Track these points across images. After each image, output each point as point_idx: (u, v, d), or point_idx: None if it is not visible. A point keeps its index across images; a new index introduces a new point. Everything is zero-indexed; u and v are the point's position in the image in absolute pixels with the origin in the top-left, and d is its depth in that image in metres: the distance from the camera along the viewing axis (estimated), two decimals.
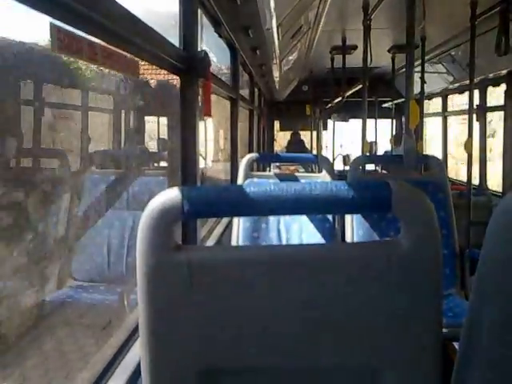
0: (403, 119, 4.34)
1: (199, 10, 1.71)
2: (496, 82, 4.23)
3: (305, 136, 8.15)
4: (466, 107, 3.33)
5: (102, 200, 2.86)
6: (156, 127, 5.35)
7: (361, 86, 3.85)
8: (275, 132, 8.32)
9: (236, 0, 1.99)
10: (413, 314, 0.68)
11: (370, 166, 5.73)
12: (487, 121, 4.79)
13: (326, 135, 8.06)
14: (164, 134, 5.02)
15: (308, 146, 8.02)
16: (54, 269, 2.63)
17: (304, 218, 2.44)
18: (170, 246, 0.67)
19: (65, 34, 0.96)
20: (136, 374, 1.18)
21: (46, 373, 2.10)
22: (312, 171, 6.56)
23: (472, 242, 3.06)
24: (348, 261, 0.69)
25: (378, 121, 6.39)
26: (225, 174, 4.78)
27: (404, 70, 2.94)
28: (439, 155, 5.88)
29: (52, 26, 0.91)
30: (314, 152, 7.52)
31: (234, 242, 2.43)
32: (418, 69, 4.23)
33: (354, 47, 4.54)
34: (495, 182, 4.78)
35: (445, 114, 5.75)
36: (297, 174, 2.88)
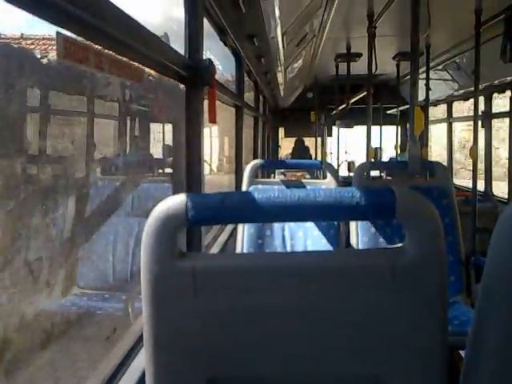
0: (408, 126, 4.33)
1: (204, 19, 1.72)
2: (501, 89, 4.22)
3: (309, 142, 8.16)
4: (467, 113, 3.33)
5: (106, 206, 2.87)
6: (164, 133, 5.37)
7: (365, 92, 3.85)
8: (280, 139, 8.33)
9: (241, 8, 2.00)
10: (418, 322, 0.67)
11: (375, 172, 5.72)
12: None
13: (331, 142, 8.06)
14: (169, 140, 5.04)
15: (312, 152, 8.03)
16: (58, 276, 2.64)
17: (309, 225, 2.44)
18: (174, 253, 0.67)
19: (71, 43, 0.97)
20: (141, 382, 1.18)
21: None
22: (317, 177, 6.56)
23: (478, 249, 3.04)
24: (353, 268, 0.68)
25: (383, 127, 6.39)
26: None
27: (409, 76, 2.94)
28: (438, 158, 5.87)
29: (58, 34, 0.92)
30: (319, 158, 7.53)
31: (238, 249, 2.42)
32: (423, 76, 4.23)
33: (359, 55, 4.55)
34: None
35: (450, 120, 5.74)
36: (301, 180, 2.88)
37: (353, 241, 2.39)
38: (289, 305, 0.68)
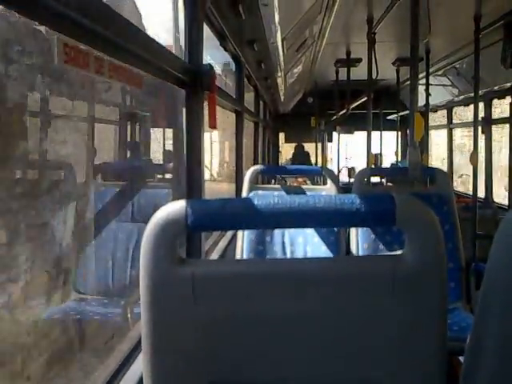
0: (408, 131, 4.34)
1: (204, 24, 1.72)
2: (501, 95, 4.23)
3: (310, 148, 8.16)
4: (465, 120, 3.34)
5: (106, 212, 2.87)
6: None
7: (365, 98, 3.86)
8: (280, 144, 8.34)
9: (241, 14, 2.01)
10: (417, 328, 0.67)
11: (375, 178, 5.72)
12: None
13: (331, 147, 8.07)
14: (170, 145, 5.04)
15: (313, 157, 8.04)
16: (57, 281, 2.63)
17: (309, 231, 2.44)
18: (173, 259, 0.67)
19: (71, 48, 0.97)
20: None
21: None
22: (317, 183, 6.56)
23: (478, 256, 3.03)
24: (352, 274, 0.68)
25: (384, 133, 6.39)
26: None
27: (409, 82, 2.95)
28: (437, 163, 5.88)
29: (59, 39, 0.92)
30: (319, 164, 7.53)
31: (238, 255, 2.42)
32: (423, 81, 4.23)
33: (359, 60, 4.56)
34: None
35: (450, 126, 5.75)
36: (302, 186, 2.87)
37: (353, 247, 2.39)
38: (288, 311, 0.67)
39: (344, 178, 6.76)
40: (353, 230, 2.42)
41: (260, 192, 2.48)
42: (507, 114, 4.15)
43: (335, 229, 2.39)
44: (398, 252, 0.68)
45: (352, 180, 5.95)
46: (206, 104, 1.63)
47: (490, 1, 2.79)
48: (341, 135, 7.37)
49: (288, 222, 0.71)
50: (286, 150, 8.89)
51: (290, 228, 2.39)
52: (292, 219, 0.68)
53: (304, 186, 2.68)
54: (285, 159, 8.68)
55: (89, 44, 0.90)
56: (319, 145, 7.75)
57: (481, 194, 4.29)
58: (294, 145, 8.32)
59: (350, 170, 7.04)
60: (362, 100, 4.74)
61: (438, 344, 0.68)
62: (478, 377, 0.62)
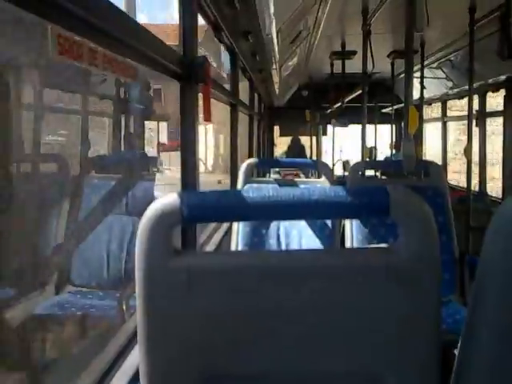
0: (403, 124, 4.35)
1: (199, 15, 1.71)
2: (495, 88, 4.24)
3: (305, 141, 8.16)
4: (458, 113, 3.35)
5: (100, 205, 2.86)
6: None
7: (360, 91, 3.86)
8: (275, 137, 8.33)
9: (236, 5, 2.00)
10: (411, 320, 0.67)
11: (370, 172, 5.73)
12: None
13: (326, 140, 8.07)
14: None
15: (308, 150, 8.04)
16: (51, 274, 2.63)
17: (303, 223, 2.44)
18: (168, 250, 0.67)
19: (65, 39, 0.96)
20: (134, 380, 1.17)
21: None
22: (312, 176, 6.57)
23: (472, 248, 3.05)
24: (346, 266, 0.68)
25: (378, 126, 6.40)
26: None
27: (403, 75, 2.95)
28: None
29: (52, 30, 0.91)
30: (314, 157, 7.53)
31: (233, 247, 2.42)
32: (418, 74, 4.23)
33: (354, 52, 4.55)
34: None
35: (444, 119, 5.76)
36: (296, 179, 2.88)
37: (347, 240, 2.40)
38: (283, 303, 0.67)
39: (339, 171, 6.77)
40: (347, 223, 2.43)
41: (255, 185, 2.48)
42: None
43: (330, 221, 2.40)
44: (392, 244, 0.68)
45: (346, 173, 5.97)
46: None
47: None
48: (336, 128, 7.37)
49: (283, 214, 0.71)
50: (283, 141, 8.86)
51: (284, 220, 2.40)
52: (287, 211, 0.68)
53: (298, 179, 2.68)
54: (280, 152, 8.68)
55: (82, 35, 0.89)
56: (314, 138, 7.75)
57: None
58: (289, 138, 8.31)
59: (345, 163, 7.06)
60: (357, 93, 4.74)
61: (433, 336, 0.68)
62: (472, 369, 0.63)
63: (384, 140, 7.36)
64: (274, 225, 2.46)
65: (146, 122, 5.22)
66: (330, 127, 7.55)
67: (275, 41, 2.61)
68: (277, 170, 6.63)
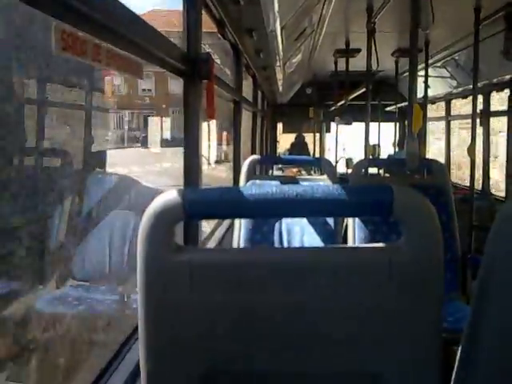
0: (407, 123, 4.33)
1: (203, 12, 1.71)
2: (500, 87, 4.22)
3: (308, 138, 8.16)
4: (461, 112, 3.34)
5: (103, 199, 2.86)
6: None
7: (364, 89, 3.85)
8: (278, 134, 8.33)
9: (240, 2, 1.99)
10: (413, 319, 0.67)
11: (373, 169, 5.72)
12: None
13: (329, 138, 8.06)
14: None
15: (311, 147, 8.04)
16: (54, 268, 2.63)
17: (306, 221, 2.44)
18: (171, 246, 0.67)
19: (68, 35, 0.96)
20: (135, 375, 1.18)
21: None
22: (316, 174, 6.56)
23: (474, 247, 3.05)
24: (349, 264, 0.68)
25: (382, 124, 6.38)
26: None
27: (408, 73, 2.94)
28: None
29: (56, 26, 0.91)
30: (317, 155, 7.53)
31: (235, 244, 2.42)
32: (422, 73, 4.22)
33: (358, 50, 4.54)
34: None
35: (448, 118, 5.74)
36: (299, 176, 2.88)
37: (349, 238, 2.39)
38: (284, 300, 0.68)
39: (342, 169, 6.76)
40: (350, 221, 2.42)
41: (258, 182, 2.48)
42: None
43: (332, 219, 2.39)
44: (395, 242, 0.68)
45: (349, 171, 5.96)
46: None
47: None
48: (339, 126, 7.35)
49: (285, 212, 0.71)
50: (285, 141, 8.85)
51: (287, 217, 2.40)
52: (289, 208, 0.68)
53: (301, 177, 2.68)
54: (284, 149, 8.67)
55: (86, 31, 0.89)
56: (317, 135, 7.74)
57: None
58: (293, 135, 8.31)
59: (348, 161, 7.05)
60: (361, 91, 4.73)
61: (434, 334, 0.68)
62: (474, 367, 0.63)
63: (387, 138, 7.35)
64: (276, 222, 2.46)
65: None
66: (333, 125, 7.53)
67: (279, 38, 2.60)
68: (279, 166, 6.63)
